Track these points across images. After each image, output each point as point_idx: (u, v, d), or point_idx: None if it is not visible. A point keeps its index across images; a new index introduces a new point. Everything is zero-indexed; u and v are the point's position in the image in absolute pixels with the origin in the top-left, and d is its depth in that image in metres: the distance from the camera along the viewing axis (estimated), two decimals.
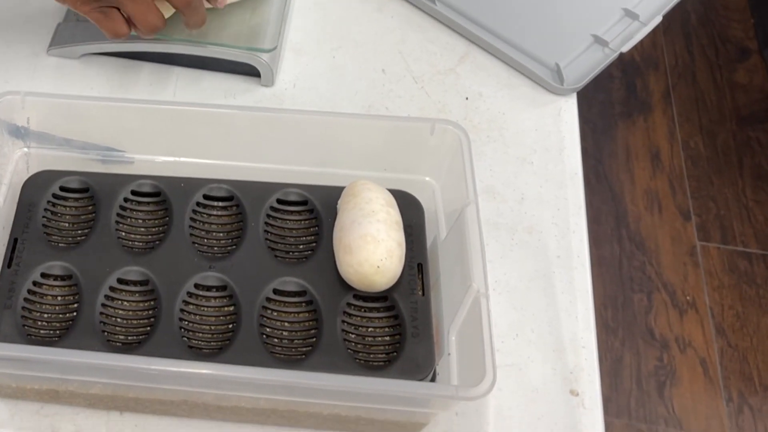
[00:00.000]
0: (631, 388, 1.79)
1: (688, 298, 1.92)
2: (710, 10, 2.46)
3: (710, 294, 1.93)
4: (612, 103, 2.27)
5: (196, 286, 0.70)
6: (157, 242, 0.73)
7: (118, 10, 0.77)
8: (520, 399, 0.73)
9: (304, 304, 0.70)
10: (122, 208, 0.75)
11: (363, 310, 0.70)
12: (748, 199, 2.09)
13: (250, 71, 0.91)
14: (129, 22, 0.78)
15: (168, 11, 0.81)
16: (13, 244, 0.71)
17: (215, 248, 0.73)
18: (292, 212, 0.76)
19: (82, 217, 0.75)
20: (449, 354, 0.68)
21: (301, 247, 0.74)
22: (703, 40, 2.41)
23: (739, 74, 2.34)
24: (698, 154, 2.17)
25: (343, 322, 0.69)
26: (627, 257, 1.99)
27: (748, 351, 1.85)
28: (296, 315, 0.70)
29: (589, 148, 2.16)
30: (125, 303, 0.70)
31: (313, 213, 0.75)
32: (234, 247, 0.73)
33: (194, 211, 0.75)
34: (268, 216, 0.75)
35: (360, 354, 0.68)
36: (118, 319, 0.69)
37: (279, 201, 0.76)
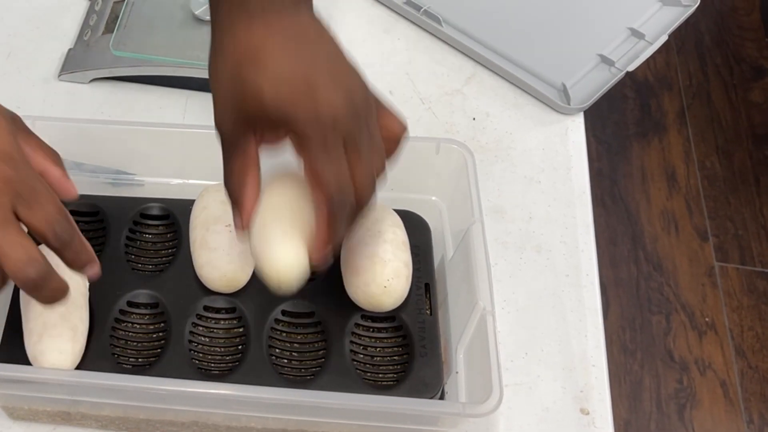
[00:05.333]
0: (651, 410, 1.78)
1: (707, 319, 1.91)
2: (724, 30, 2.46)
3: (729, 315, 1.92)
4: (626, 123, 2.27)
5: (206, 308, 0.70)
6: (167, 265, 0.73)
7: None
8: (530, 418, 0.73)
9: (312, 325, 0.70)
10: (132, 231, 0.75)
11: (371, 330, 0.70)
12: (766, 218, 2.08)
13: None
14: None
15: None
16: None
17: None
18: None
19: (93, 240, 0.75)
20: (457, 372, 0.68)
21: None
22: (717, 60, 2.40)
23: (754, 93, 2.34)
24: (714, 174, 2.17)
25: (352, 342, 0.69)
26: (644, 278, 1.98)
27: None
28: (305, 336, 0.70)
29: (604, 168, 2.15)
30: (135, 326, 0.70)
31: None
32: None
33: None
34: None
35: (368, 374, 0.68)
36: (129, 342, 0.69)
37: None
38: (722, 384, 1.82)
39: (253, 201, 0.61)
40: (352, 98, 0.57)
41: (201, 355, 0.68)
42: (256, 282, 0.71)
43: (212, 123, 0.91)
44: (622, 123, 2.27)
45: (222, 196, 0.72)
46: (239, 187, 0.61)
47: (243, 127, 0.60)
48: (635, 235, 2.05)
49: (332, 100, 0.56)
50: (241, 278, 0.70)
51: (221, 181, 0.74)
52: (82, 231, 0.75)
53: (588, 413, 0.73)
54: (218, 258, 0.69)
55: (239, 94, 0.58)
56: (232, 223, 0.70)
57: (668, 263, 2.00)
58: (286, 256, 0.59)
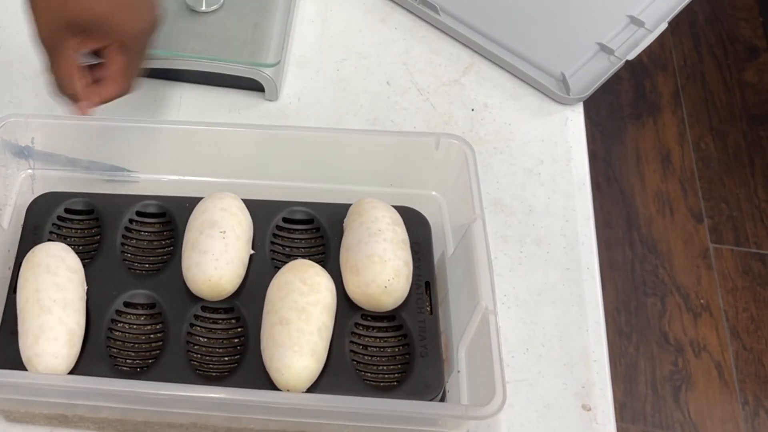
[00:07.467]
0: (646, 393, 1.78)
1: (701, 301, 1.91)
2: (718, 10, 2.45)
3: (724, 296, 1.92)
4: (621, 105, 2.26)
5: (204, 308, 0.69)
6: (164, 264, 0.72)
7: None
8: (531, 415, 0.73)
9: None
10: (127, 229, 0.74)
11: (371, 330, 0.69)
12: (761, 199, 2.08)
13: (254, 86, 0.91)
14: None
15: None
16: (19, 267, 0.71)
17: None
18: (298, 230, 0.75)
19: (88, 239, 0.74)
20: (459, 371, 0.67)
21: None
22: (711, 40, 2.39)
23: (748, 73, 2.33)
24: (709, 155, 2.16)
25: (352, 342, 0.68)
26: (639, 261, 1.97)
27: (764, 353, 1.83)
28: None
29: (599, 151, 2.15)
30: (133, 327, 0.69)
31: (319, 231, 0.75)
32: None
33: None
34: (275, 235, 0.74)
35: (369, 374, 0.67)
36: (126, 343, 0.68)
37: (285, 219, 0.75)
38: (717, 366, 1.82)
39: (87, 92, 0.73)
40: (154, 19, 0.73)
41: (199, 356, 0.67)
42: (253, 283, 0.71)
43: (208, 116, 0.90)
44: (617, 104, 2.26)
45: (222, 203, 0.70)
46: (71, 85, 0.73)
47: (65, 34, 0.70)
48: (630, 218, 2.04)
49: (146, 18, 0.73)
50: (226, 287, 0.68)
51: (226, 190, 0.73)
52: (78, 230, 0.75)
53: (590, 409, 0.73)
54: (206, 262, 0.68)
55: (69, 5, 0.69)
56: (226, 229, 0.69)
57: (663, 245, 2.00)
58: (293, 369, 0.63)
